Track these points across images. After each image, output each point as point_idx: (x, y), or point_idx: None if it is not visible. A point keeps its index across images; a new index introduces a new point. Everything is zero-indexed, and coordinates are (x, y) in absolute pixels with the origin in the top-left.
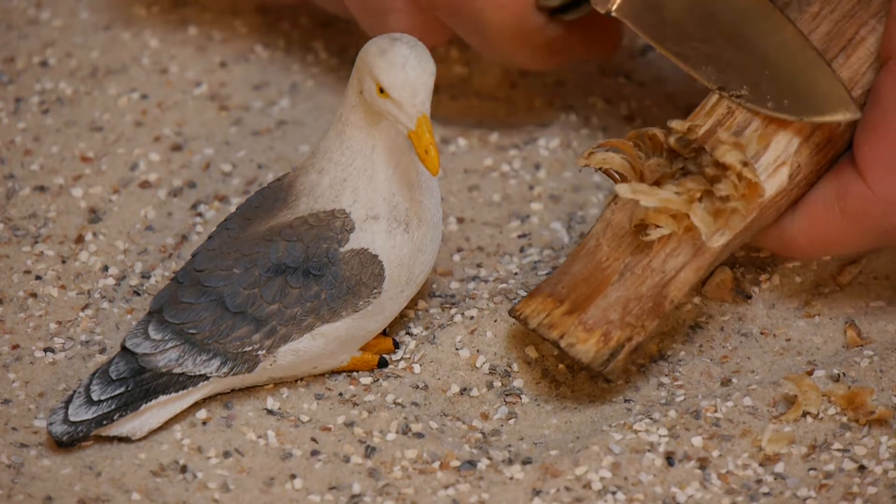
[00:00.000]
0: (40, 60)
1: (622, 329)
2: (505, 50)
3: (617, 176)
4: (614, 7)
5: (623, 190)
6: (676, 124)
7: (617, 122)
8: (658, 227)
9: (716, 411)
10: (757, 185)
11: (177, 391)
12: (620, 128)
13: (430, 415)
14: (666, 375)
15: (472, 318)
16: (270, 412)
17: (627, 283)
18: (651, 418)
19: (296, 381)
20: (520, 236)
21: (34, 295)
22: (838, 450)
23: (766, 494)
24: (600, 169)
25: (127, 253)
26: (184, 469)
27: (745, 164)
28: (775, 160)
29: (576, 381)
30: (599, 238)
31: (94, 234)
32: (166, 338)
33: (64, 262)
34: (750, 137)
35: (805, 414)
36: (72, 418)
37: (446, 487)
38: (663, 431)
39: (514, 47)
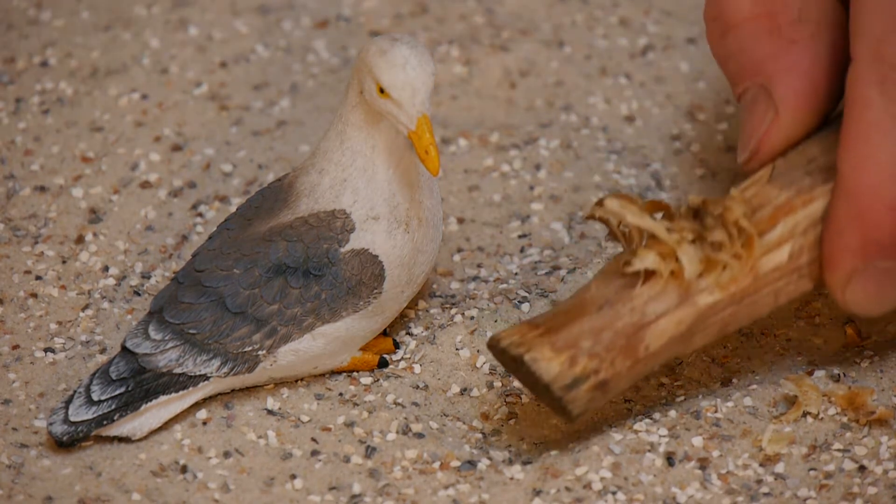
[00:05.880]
0: (40, 60)
1: (590, 358)
2: None
3: (618, 234)
4: None
5: (612, 203)
6: (692, 199)
7: (617, 122)
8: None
9: (716, 411)
10: (752, 240)
11: (177, 391)
12: (620, 128)
13: (430, 415)
14: (666, 375)
15: (472, 318)
16: (270, 412)
17: (605, 316)
18: (651, 418)
19: (296, 381)
20: (520, 236)
21: (34, 295)
22: (838, 450)
23: (766, 494)
24: (601, 219)
25: (127, 253)
26: (184, 469)
27: (745, 215)
28: (779, 238)
29: None
30: (591, 282)
31: (95, 235)
32: (166, 338)
33: (64, 262)
34: (761, 216)
35: (805, 414)
36: (72, 418)
37: (446, 487)
38: (663, 431)
39: None
